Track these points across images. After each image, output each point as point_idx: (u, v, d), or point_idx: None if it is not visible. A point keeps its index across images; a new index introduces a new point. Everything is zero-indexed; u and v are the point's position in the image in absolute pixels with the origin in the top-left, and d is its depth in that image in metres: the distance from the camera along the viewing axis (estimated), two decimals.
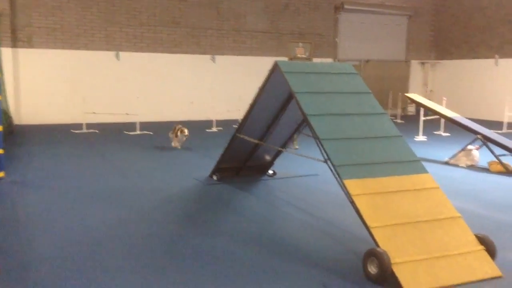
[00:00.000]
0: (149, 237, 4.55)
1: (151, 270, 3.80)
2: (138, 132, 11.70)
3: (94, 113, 12.42)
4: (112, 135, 11.46)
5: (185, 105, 14.70)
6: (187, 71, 14.77)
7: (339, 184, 4.16)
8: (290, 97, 5.55)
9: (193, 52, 14.90)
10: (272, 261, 4.01)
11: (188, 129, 9.42)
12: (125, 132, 11.76)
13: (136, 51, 14.22)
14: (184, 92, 14.74)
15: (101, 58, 13.81)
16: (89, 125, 12.11)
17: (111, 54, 13.95)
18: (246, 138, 6.16)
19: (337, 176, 4.18)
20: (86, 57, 13.64)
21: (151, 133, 11.72)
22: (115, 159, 8.54)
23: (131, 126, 12.08)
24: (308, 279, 3.65)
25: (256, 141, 6.29)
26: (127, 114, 12.27)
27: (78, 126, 12.09)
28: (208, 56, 15.08)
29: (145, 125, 12.25)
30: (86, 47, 13.68)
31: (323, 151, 4.37)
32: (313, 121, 4.48)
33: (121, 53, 14.03)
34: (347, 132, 4.53)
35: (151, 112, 13.69)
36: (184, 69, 14.74)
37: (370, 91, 4.98)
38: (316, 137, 4.42)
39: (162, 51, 14.52)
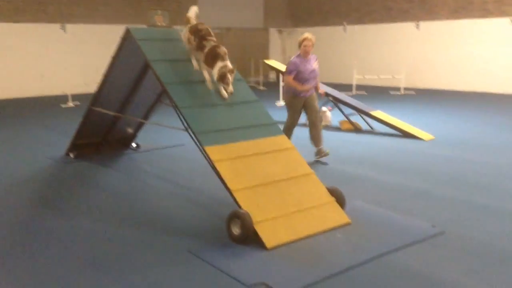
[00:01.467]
0: None
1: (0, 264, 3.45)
2: None
3: None
4: None
5: (34, 79, 13.40)
6: (33, 42, 13.40)
7: (201, 151, 4.18)
8: (147, 66, 5.35)
9: (39, 20, 13.52)
10: (139, 234, 3.92)
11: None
12: None
13: None
14: (32, 65, 13.40)
15: None
16: None
17: None
18: (103, 111, 5.82)
19: (198, 143, 4.18)
20: None
21: None
22: None
23: None
24: (175, 247, 3.64)
25: (114, 114, 5.99)
26: None
27: None
28: (57, 25, 13.83)
29: None
30: None
31: (182, 119, 4.33)
32: (170, 90, 4.38)
33: None
34: (205, 99, 4.52)
35: None
36: (30, 39, 13.35)
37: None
38: (175, 106, 4.35)
39: (2, 20, 12.93)
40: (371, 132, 8.16)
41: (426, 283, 3.08)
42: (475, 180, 5.35)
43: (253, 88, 13.33)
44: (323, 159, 6.09)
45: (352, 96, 10.67)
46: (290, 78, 6.03)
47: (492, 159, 6.24)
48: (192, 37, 4.63)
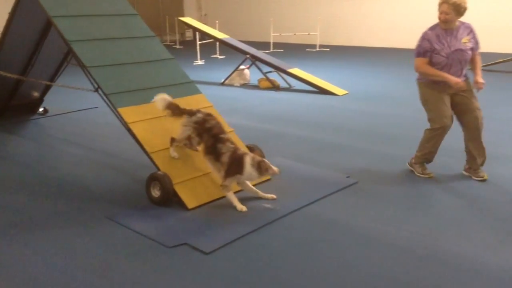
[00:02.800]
0: None
1: None
2: None
3: None
4: None
5: None
6: None
7: (115, 113, 3.99)
8: (50, 22, 4.94)
9: None
10: (51, 203, 3.71)
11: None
12: None
13: None
14: None
15: None
16: None
17: None
18: (3, 73, 5.33)
19: (110, 105, 3.98)
20: None
21: None
22: None
23: None
24: (92, 214, 3.49)
25: (16, 76, 5.51)
26: None
27: None
28: None
29: None
30: None
31: (92, 80, 4.08)
32: (76, 48, 4.09)
33: None
34: (116, 57, 4.28)
35: None
36: None
37: (137, 13, 4.75)
38: (82, 66, 4.08)
39: None
40: (289, 89, 8.28)
41: (342, 229, 3.24)
42: (384, 131, 5.64)
43: (169, 47, 12.92)
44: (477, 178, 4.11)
45: (270, 54, 10.70)
46: (419, 62, 3.95)
47: (400, 111, 6.61)
48: (196, 138, 3.64)
